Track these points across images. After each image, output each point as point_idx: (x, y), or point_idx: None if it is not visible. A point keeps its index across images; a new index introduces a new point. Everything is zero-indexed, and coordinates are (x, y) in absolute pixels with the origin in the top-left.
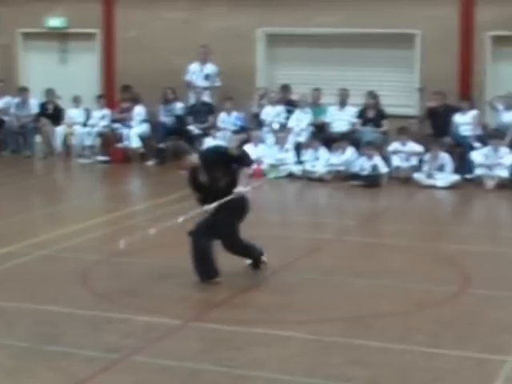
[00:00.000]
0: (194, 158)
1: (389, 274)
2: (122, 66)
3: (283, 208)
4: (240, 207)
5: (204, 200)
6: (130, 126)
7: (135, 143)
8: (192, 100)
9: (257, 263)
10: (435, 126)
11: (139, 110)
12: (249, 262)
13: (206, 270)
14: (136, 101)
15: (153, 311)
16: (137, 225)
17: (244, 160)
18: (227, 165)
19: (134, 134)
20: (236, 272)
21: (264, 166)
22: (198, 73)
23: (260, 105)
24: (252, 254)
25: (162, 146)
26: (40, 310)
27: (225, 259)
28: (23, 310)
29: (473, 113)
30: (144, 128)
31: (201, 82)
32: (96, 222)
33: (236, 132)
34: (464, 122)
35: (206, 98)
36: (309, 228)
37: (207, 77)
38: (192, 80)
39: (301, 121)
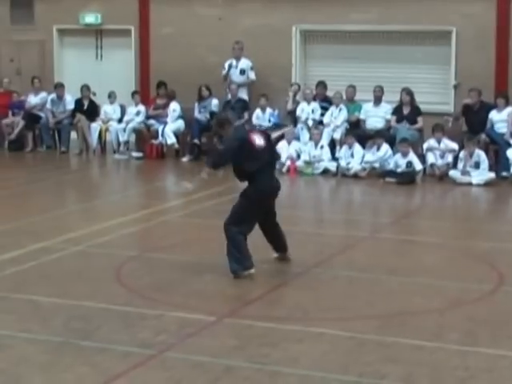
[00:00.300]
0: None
1: (423, 271)
2: (156, 63)
3: (317, 205)
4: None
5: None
6: (164, 123)
7: (170, 140)
8: (229, 96)
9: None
10: (470, 123)
11: (174, 107)
12: (276, 255)
13: (239, 260)
14: (171, 97)
15: (186, 307)
16: (171, 221)
17: (212, 156)
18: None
19: (169, 130)
20: (270, 269)
21: (298, 163)
22: (233, 69)
23: (295, 102)
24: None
25: (196, 142)
26: (74, 306)
27: (258, 256)
28: (58, 306)
29: (509, 110)
30: (179, 124)
31: (236, 78)
32: (130, 218)
33: (270, 129)
34: (500, 119)
35: (243, 94)
36: (343, 225)
37: (242, 72)
38: (228, 76)
39: (335, 118)
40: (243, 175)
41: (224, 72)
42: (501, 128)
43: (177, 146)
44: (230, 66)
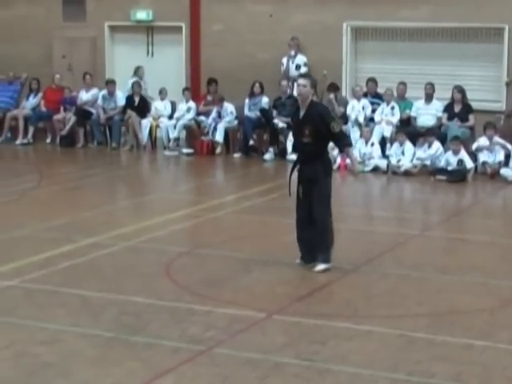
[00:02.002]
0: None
1: (473, 270)
2: (207, 60)
3: (368, 202)
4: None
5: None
6: (215, 120)
7: (219, 137)
8: (289, 91)
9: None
10: None
11: (231, 109)
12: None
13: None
14: (221, 98)
15: (236, 303)
16: (221, 217)
17: (341, 140)
18: (321, 133)
19: (220, 127)
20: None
21: (348, 161)
22: (290, 65)
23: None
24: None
25: (251, 142)
26: (124, 301)
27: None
28: (108, 301)
29: None
30: (230, 121)
31: (292, 73)
32: (180, 214)
33: None
34: None
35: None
36: (393, 223)
37: (298, 67)
38: (286, 72)
39: (386, 115)
40: (321, 150)
41: (283, 68)
42: None
43: (219, 147)
44: (288, 62)
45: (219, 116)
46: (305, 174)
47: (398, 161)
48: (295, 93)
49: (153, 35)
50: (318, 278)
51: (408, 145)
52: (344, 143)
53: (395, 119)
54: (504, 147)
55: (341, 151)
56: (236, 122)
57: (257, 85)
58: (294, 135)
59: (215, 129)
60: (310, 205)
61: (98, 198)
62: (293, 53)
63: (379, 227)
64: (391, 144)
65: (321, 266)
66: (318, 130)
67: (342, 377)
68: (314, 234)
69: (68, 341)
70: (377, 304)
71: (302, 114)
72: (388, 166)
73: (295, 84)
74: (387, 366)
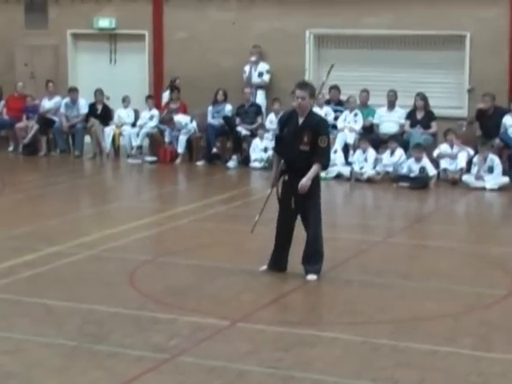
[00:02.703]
0: (310, 104)
1: (436, 276)
2: (170, 67)
3: (331, 209)
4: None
5: (278, 152)
6: (176, 128)
7: (180, 148)
8: (252, 99)
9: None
10: (484, 128)
11: (184, 120)
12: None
13: None
14: (182, 103)
15: (200, 312)
16: (184, 225)
17: (320, 157)
18: (313, 142)
19: (181, 139)
20: (283, 273)
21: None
22: (252, 72)
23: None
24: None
25: (215, 150)
26: (88, 310)
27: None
28: (72, 310)
29: None
30: (191, 130)
31: (254, 81)
32: (144, 222)
33: None
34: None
35: (261, 97)
36: (356, 230)
37: (260, 75)
38: (248, 79)
39: (349, 122)
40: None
41: (245, 76)
42: None
43: (180, 158)
44: (251, 69)
45: (177, 129)
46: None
47: (361, 168)
48: (294, 104)
49: (116, 43)
50: (282, 285)
51: (371, 152)
52: (320, 160)
53: (358, 126)
54: (465, 152)
55: (312, 162)
56: (193, 131)
57: (220, 92)
58: (286, 144)
59: (177, 139)
60: (302, 216)
61: (61, 206)
62: (254, 58)
63: (343, 234)
64: (354, 151)
65: (314, 276)
66: (315, 138)
67: None
68: (306, 245)
69: (31, 350)
70: (340, 311)
71: (301, 121)
72: (351, 172)
73: (258, 92)
74: (351, 372)
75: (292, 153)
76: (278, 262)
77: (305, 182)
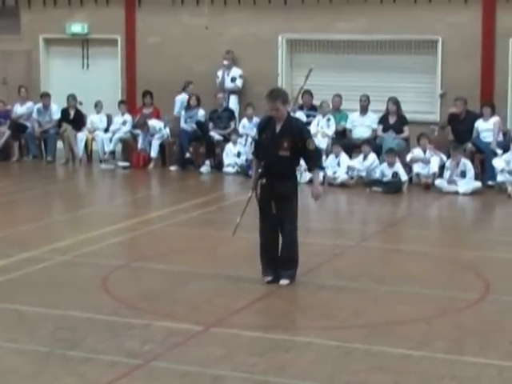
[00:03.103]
0: (286, 110)
1: (409, 280)
2: (143, 72)
3: (304, 214)
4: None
5: (257, 156)
6: (150, 133)
7: (153, 152)
8: (225, 104)
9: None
10: (457, 133)
11: (157, 125)
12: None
13: None
14: (156, 108)
15: (173, 317)
16: (158, 230)
17: (313, 160)
18: (297, 147)
19: (154, 144)
20: (256, 277)
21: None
22: (225, 77)
23: None
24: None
25: (188, 155)
26: (61, 316)
27: (245, 265)
28: (44, 316)
29: (494, 119)
30: (164, 135)
31: (227, 86)
32: (117, 227)
33: None
34: (486, 128)
35: (234, 102)
36: (330, 234)
37: (234, 80)
38: (221, 84)
39: (322, 127)
40: (294, 166)
41: (218, 80)
42: (487, 137)
43: (153, 162)
44: (223, 74)
45: (151, 134)
46: (277, 191)
47: (334, 172)
48: (272, 114)
49: (88, 48)
50: (256, 290)
51: (344, 157)
52: (315, 163)
53: (331, 131)
54: (438, 156)
55: (309, 170)
56: (167, 136)
57: (193, 97)
58: (264, 149)
59: (150, 143)
60: (280, 220)
61: (33, 211)
62: (226, 63)
63: (316, 239)
64: (327, 156)
65: (287, 281)
66: (295, 143)
67: None
68: (282, 250)
69: (3, 357)
70: (314, 315)
71: (279, 127)
72: (324, 177)
73: (231, 97)
74: (325, 376)
75: (271, 158)
76: (268, 271)
77: (316, 190)
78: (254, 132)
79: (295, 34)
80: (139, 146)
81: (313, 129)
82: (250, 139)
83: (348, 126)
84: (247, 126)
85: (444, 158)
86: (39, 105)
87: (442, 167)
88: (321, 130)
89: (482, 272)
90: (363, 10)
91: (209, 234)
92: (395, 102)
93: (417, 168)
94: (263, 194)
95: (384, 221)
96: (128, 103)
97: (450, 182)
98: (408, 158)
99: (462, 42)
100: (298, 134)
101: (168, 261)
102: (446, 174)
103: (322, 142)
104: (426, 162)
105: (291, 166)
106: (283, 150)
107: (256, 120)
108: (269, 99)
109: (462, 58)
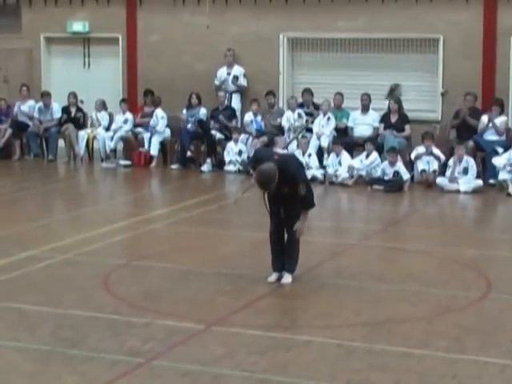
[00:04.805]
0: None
1: (411, 278)
2: (144, 71)
3: None
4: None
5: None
6: (151, 131)
7: (154, 150)
8: (227, 102)
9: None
10: (459, 130)
11: (162, 114)
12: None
13: None
14: (156, 104)
15: (175, 315)
16: (159, 229)
17: (306, 202)
18: (293, 182)
19: (154, 141)
20: (257, 276)
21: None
22: (226, 76)
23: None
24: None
25: (189, 154)
26: (62, 314)
27: (246, 263)
28: (45, 314)
29: (501, 119)
30: (165, 133)
31: (230, 85)
32: (118, 226)
33: (257, 135)
34: (489, 126)
35: (237, 101)
36: (331, 233)
37: (236, 79)
38: (222, 84)
39: (323, 126)
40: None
41: (217, 81)
42: (489, 135)
43: (154, 161)
44: (227, 74)
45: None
46: (287, 215)
47: (335, 171)
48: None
49: (89, 47)
50: (257, 288)
51: (345, 155)
52: (307, 206)
53: (328, 130)
54: (438, 158)
55: (302, 208)
56: (168, 131)
57: (194, 96)
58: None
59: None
60: (287, 222)
61: (34, 210)
62: (229, 59)
63: (317, 237)
64: (328, 154)
65: (288, 279)
66: (291, 183)
67: None
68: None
69: (5, 355)
70: (315, 314)
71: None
72: (325, 176)
73: (233, 95)
74: (326, 375)
75: (276, 197)
76: (278, 268)
77: (301, 227)
78: (255, 130)
79: (296, 32)
80: (145, 147)
81: (315, 128)
82: (251, 138)
83: (349, 124)
84: (253, 122)
85: (443, 157)
86: (40, 104)
87: (443, 166)
88: (322, 129)
89: (484, 270)
90: (364, 9)
91: (210, 232)
92: (397, 100)
93: (421, 165)
94: (271, 202)
95: (385, 219)
96: (129, 102)
97: (452, 180)
98: (413, 155)
99: (463, 40)
100: (290, 179)
101: (169, 259)
102: (448, 172)
103: (323, 141)
104: (428, 160)
105: (295, 196)
106: (281, 188)
107: (258, 119)
108: (265, 189)
109: (464, 56)
